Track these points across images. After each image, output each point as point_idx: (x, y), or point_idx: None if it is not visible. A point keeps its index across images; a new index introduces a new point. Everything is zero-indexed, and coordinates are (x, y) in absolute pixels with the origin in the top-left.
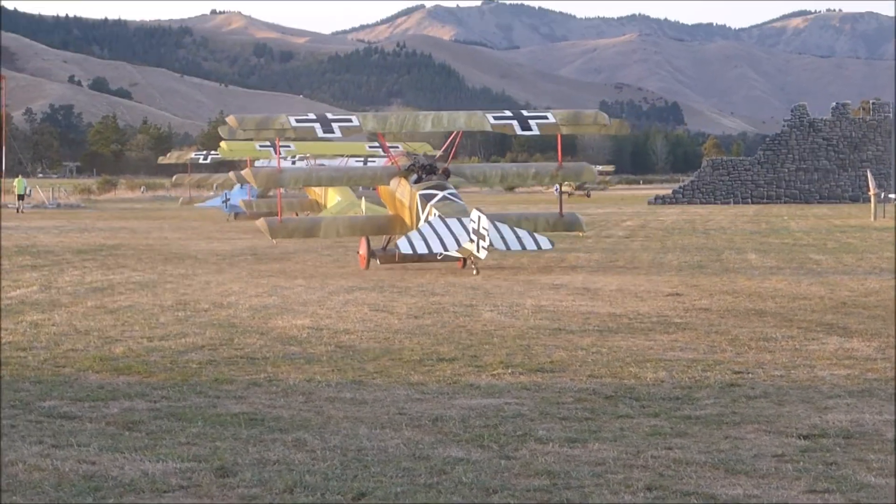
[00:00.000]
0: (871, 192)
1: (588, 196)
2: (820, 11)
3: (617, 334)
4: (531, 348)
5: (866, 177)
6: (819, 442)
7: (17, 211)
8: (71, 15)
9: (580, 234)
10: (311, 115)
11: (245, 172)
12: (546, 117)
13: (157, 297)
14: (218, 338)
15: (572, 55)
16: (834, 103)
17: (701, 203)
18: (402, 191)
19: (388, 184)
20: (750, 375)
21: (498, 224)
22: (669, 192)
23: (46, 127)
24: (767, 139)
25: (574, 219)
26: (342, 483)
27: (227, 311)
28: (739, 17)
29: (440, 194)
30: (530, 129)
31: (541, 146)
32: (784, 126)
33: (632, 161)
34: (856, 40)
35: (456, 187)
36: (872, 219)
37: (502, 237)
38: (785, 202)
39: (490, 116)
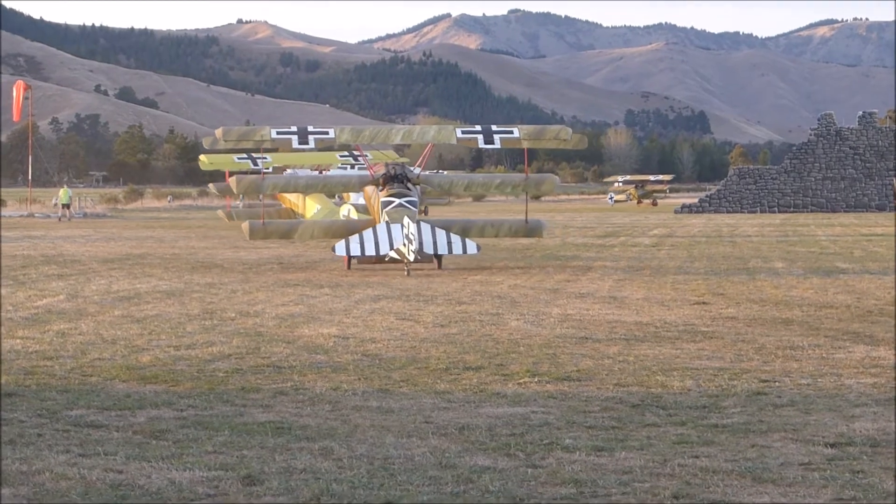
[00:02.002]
0: None
1: (655, 204)
2: (846, 20)
3: (643, 343)
4: (557, 357)
5: (892, 186)
6: (846, 450)
7: (61, 219)
8: (97, 24)
9: (539, 237)
10: (293, 128)
11: (231, 180)
12: (511, 132)
13: (184, 306)
14: (244, 346)
15: (599, 64)
16: (860, 112)
17: (727, 212)
18: (374, 197)
19: (361, 191)
20: (777, 384)
21: (437, 230)
22: (696, 200)
23: (72, 136)
24: (794, 148)
25: (537, 225)
26: (369, 491)
27: (254, 320)
28: (766, 26)
29: (397, 201)
30: (493, 143)
31: (567, 156)
32: (811, 135)
33: (659, 169)
34: (882, 49)
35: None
36: None
37: (434, 242)
38: (811, 211)
39: (458, 130)
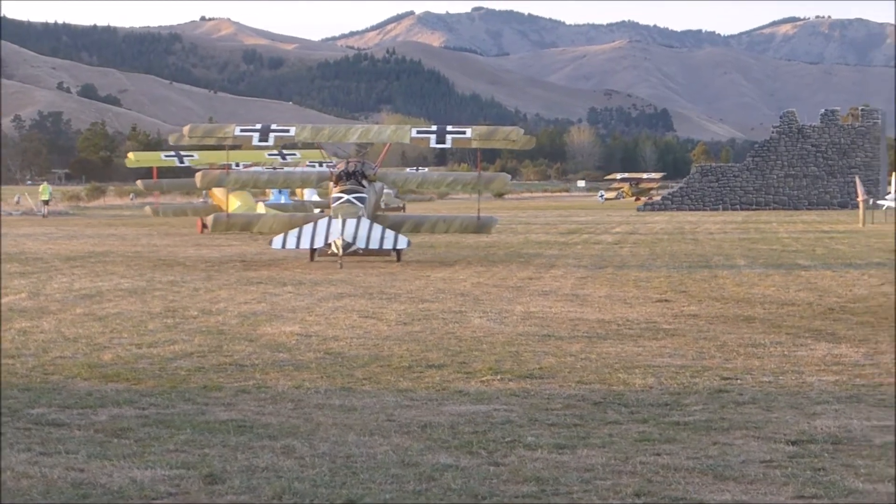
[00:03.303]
0: (860, 199)
1: (650, 200)
2: (809, 18)
3: (606, 340)
4: (520, 355)
5: (855, 183)
6: (807, 448)
7: (43, 216)
8: (60, 22)
9: (488, 233)
10: (257, 126)
11: (197, 175)
12: (464, 132)
13: (146, 304)
14: (207, 345)
15: (562, 62)
16: (823, 110)
17: (690, 209)
18: (331, 193)
19: (319, 186)
20: (738, 381)
21: (374, 226)
22: (658, 198)
23: (35, 134)
24: (756, 145)
25: (489, 221)
26: (331, 490)
27: (216, 318)
28: (729, 24)
29: (345, 197)
30: (445, 143)
31: (530, 154)
32: (773, 132)
33: (622, 167)
34: (845, 47)
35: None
36: (861, 225)
37: (368, 237)
38: (774, 209)
39: (414, 130)
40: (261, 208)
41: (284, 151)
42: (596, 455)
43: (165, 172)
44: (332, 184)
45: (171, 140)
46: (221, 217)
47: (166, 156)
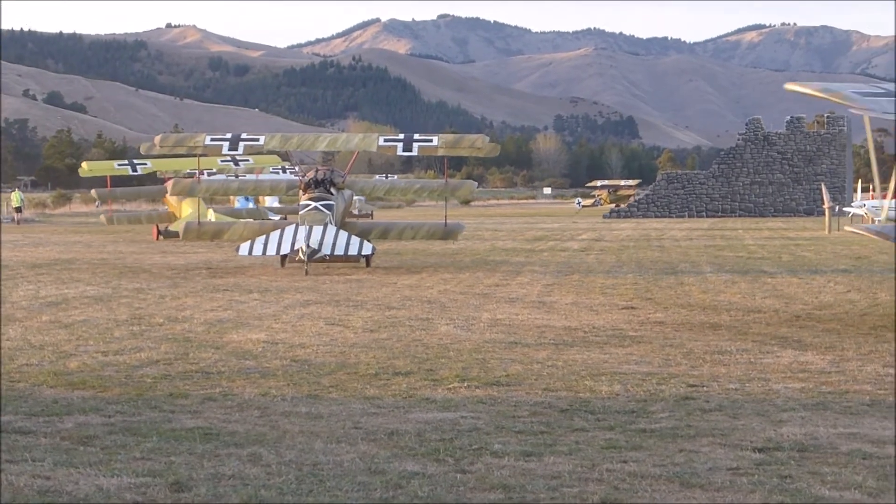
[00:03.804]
0: (826, 206)
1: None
2: (774, 25)
3: (572, 348)
4: (487, 362)
5: (821, 190)
6: (774, 455)
7: (16, 222)
8: (26, 29)
9: (455, 240)
10: (228, 135)
11: (169, 183)
12: (431, 140)
13: (112, 312)
14: (173, 352)
15: (528, 69)
16: (788, 117)
17: (656, 217)
18: (300, 201)
19: (286, 194)
20: (705, 389)
21: (340, 232)
22: (624, 205)
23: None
24: (722, 153)
25: (455, 227)
26: (297, 498)
27: (182, 326)
28: (694, 32)
29: (313, 205)
30: (411, 151)
31: (497, 161)
32: (739, 140)
33: (588, 174)
34: (810, 54)
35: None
36: (827, 232)
37: (334, 243)
38: (739, 216)
39: (381, 139)
40: (211, 214)
41: (237, 157)
42: (563, 462)
43: (126, 181)
44: (300, 191)
45: (142, 149)
46: (193, 225)
47: (119, 164)
